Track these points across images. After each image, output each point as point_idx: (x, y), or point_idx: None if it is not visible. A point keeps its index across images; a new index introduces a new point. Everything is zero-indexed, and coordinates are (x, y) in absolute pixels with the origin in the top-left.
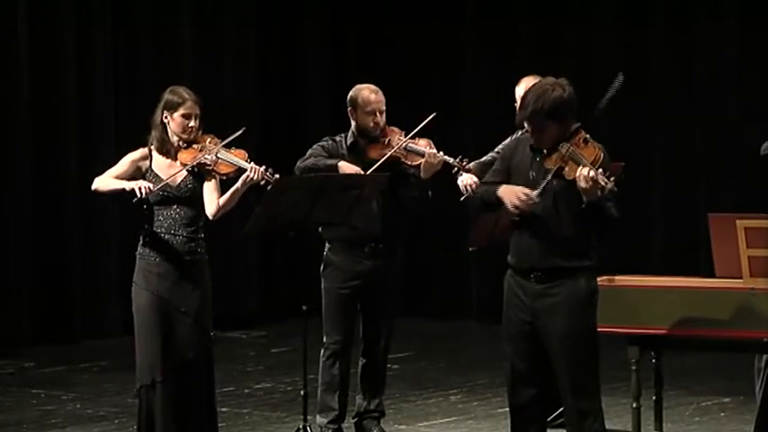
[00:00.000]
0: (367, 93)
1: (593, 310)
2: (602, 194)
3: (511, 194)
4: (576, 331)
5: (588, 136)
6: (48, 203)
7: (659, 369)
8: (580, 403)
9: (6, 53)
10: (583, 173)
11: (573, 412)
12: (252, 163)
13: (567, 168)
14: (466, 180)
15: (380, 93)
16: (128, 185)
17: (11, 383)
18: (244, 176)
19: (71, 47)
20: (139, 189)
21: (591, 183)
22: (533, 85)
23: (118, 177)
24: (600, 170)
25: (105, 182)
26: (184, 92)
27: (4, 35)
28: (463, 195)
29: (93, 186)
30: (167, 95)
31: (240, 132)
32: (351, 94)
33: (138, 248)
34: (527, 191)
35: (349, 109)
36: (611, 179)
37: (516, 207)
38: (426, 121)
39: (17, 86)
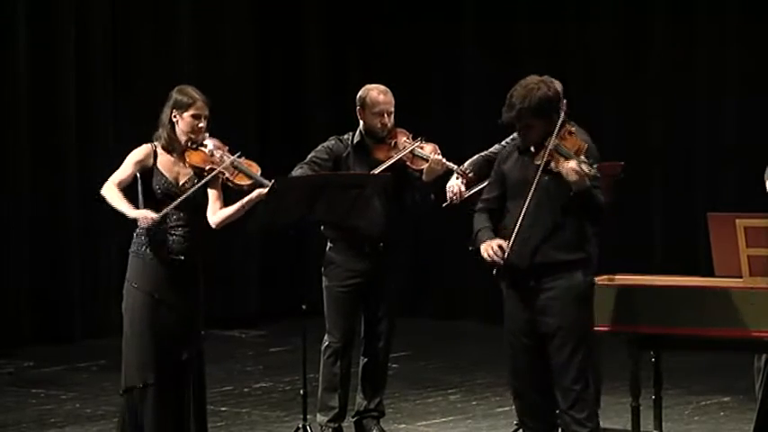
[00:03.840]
0: (375, 93)
1: (589, 305)
2: (589, 182)
3: (487, 248)
4: (571, 325)
5: (573, 128)
6: (47, 203)
7: (659, 368)
8: (573, 396)
9: (5, 52)
10: (569, 166)
11: (565, 405)
12: (266, 180)
13: (553, 162)
14: (453, 187)
15: (389, 94)
16: (131, 214)
17: (10, 383)
18: (257, 192)
19: (70, 46)
20: (144, 219)
21: (577, 175)
22: (518, 84)
23: (122, 182)
24: (582, 158)
25: (112, 194)
26: (194, 92)
27: (3, 34)
28: (446, 202)
29: (102, 192)
30: (176, 95)
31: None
32: (360, 93)
33: (132, 246)
34: (500, 243)
35: (357, 108)
36: (594, 166)
37: (491, 258)
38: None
39: (16, 86)
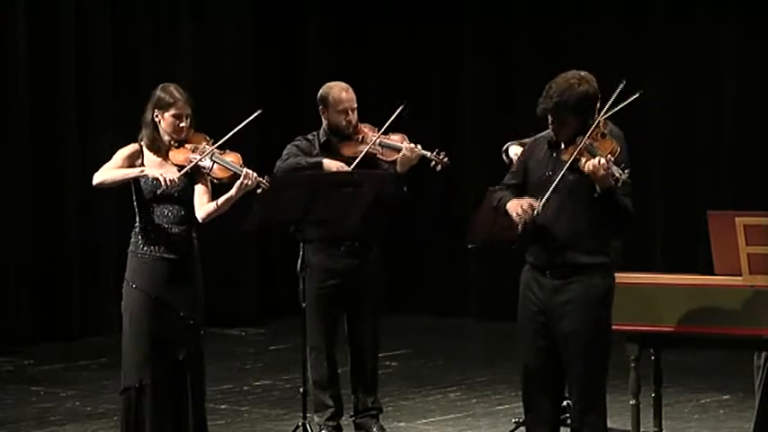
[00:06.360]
0: (337, 91)
1: (608, 309)
2: (615, 185)
3: (516, 206)
4: (589, 329)
5: (608, 131)
6: (47, 201)
7: (659, 366)
8: (586, 399)
9: (5, 51)
10: (594, 161)
11: (578, 407)
12: (246, 168)
13: (582, 160)
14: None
15: (351, 90)
16: (149, 172)
17: (10, 381)
18: (238, 183)
19: (70, 45)
20: (163, 178)
21: (603, 171)
22: (558, 76)
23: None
24: (611, 159)
25: (111, 173)
26: (176, 91)
27: (3, 32)
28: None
29: (96, 181)
30: (159, 93)
31: (231, 134)
32: (321, 92)
33: (131, 246)
34: (531, 201)
35: (320, 108)
36: (626, 171)
37: (519, 217)
38: (396, 113)
39: (16, 85)
